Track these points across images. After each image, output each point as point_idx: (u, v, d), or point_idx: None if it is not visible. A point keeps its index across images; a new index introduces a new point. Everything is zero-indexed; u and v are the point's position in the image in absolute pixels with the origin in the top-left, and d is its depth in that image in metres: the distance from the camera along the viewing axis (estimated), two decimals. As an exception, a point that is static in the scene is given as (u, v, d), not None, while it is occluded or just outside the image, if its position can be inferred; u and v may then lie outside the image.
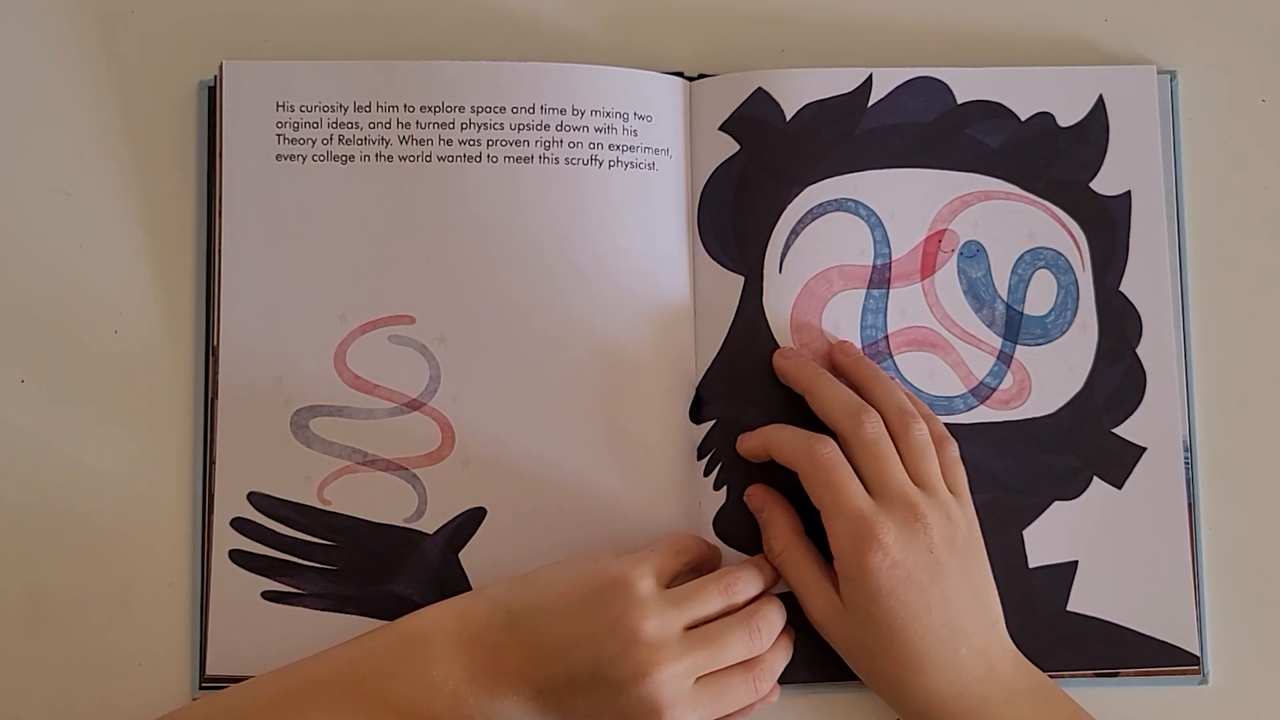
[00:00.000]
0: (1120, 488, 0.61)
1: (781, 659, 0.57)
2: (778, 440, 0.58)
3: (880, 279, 0.61)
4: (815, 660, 0.58)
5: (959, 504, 0.57)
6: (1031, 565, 0.60)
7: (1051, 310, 0.62)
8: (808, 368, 0.59)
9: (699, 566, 0.58)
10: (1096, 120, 0.63)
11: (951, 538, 0.55)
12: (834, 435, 0.57)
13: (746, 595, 0.56)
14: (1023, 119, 0.62)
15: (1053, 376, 0.61)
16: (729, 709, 0.55)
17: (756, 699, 0.55)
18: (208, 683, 0.58)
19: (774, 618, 0.56)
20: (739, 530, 0.60)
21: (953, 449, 0.58)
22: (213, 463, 0.59)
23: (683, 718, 0.53)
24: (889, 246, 0.61)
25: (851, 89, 0.62)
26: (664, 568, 0.56)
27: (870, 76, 0.62)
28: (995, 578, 0.57)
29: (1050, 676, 0.58)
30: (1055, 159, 0.62)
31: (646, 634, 0.52)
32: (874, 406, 0.57)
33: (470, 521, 0.59)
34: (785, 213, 0.61)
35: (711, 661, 0.54)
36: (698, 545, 0.58)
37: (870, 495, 0.55)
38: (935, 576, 0.54)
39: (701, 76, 0.62)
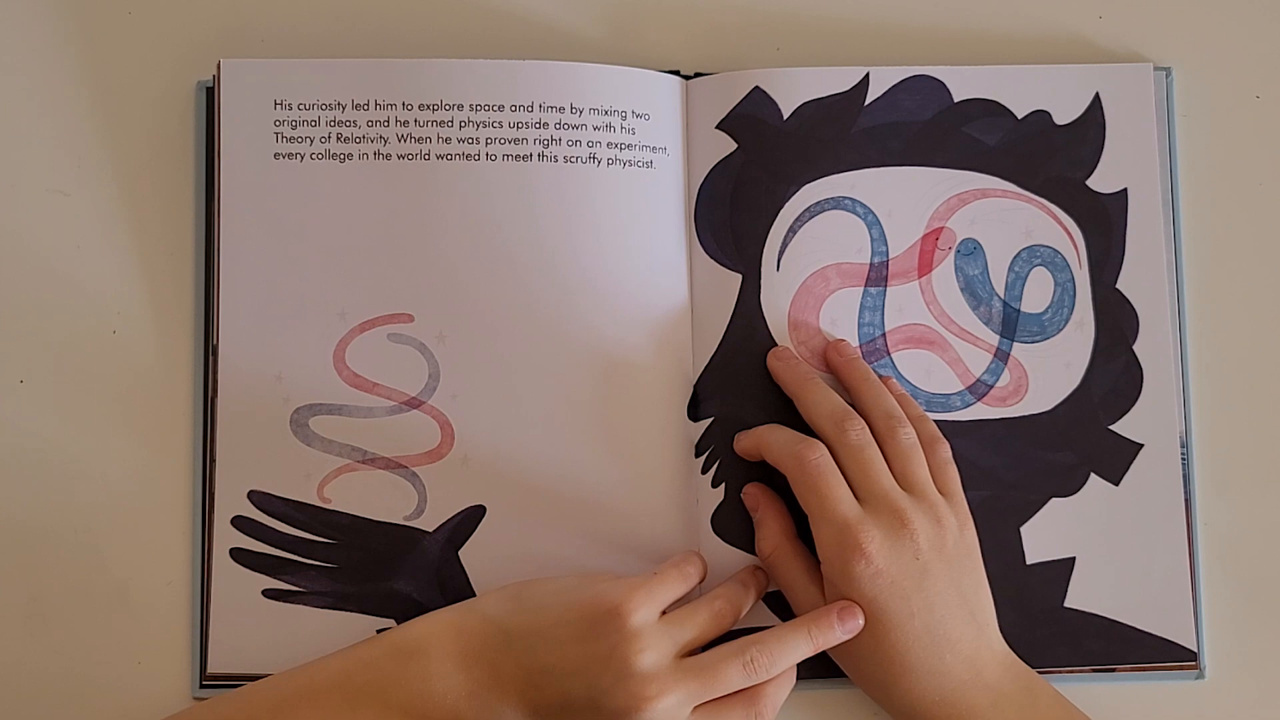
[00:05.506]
0: (1117, 484, 0.61)
1: (784, 690, 0.56)
2: (769, 442, 0.58)
3: (878, 277, 0.61)
4: (812, 658, 0.58)
5: (951, 506, 0.56)
6: (1029, 562, 0.60)
7: (1048, 307, 0.62)
8: (797, 370, 0.59)
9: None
10: (1093, 118, 0.63)
11: (940, 542, 0.55)
12: (828, 437, 0.57)
13: (738, 612, 0.56)
14: (1019, 117, 0.63)
15: (1050, 374, 0.62)
16: None
17: None
18: (208, 681, 0.58)
19: (773, 648, 0.54)
20: (737, 528, 0.60)
21: (944, 450, 0.58)
22: (213, 461, 0.59)
23: None
24: (886, 244, 0.62)
25: (848, 87, 0.62)
26: (666, 596, 0.55)
27: (867, 75, 0.62)
28: (992, 575, 0.57)
29: (1047, 673, 0.58)
30: (1052, 157, 0.62)
31: (641, 667, 0.52)
32: (862, 410, 0.57)
33: (470, 519, 0.59)
34: (783, 211, 0.61)
35: (706, 692, 0.53)
36: (701, 567, 0.58)
37: (858, 501, 0.55)
38: (920, 583, 0.54)
39: (698, 75, 0.62)
